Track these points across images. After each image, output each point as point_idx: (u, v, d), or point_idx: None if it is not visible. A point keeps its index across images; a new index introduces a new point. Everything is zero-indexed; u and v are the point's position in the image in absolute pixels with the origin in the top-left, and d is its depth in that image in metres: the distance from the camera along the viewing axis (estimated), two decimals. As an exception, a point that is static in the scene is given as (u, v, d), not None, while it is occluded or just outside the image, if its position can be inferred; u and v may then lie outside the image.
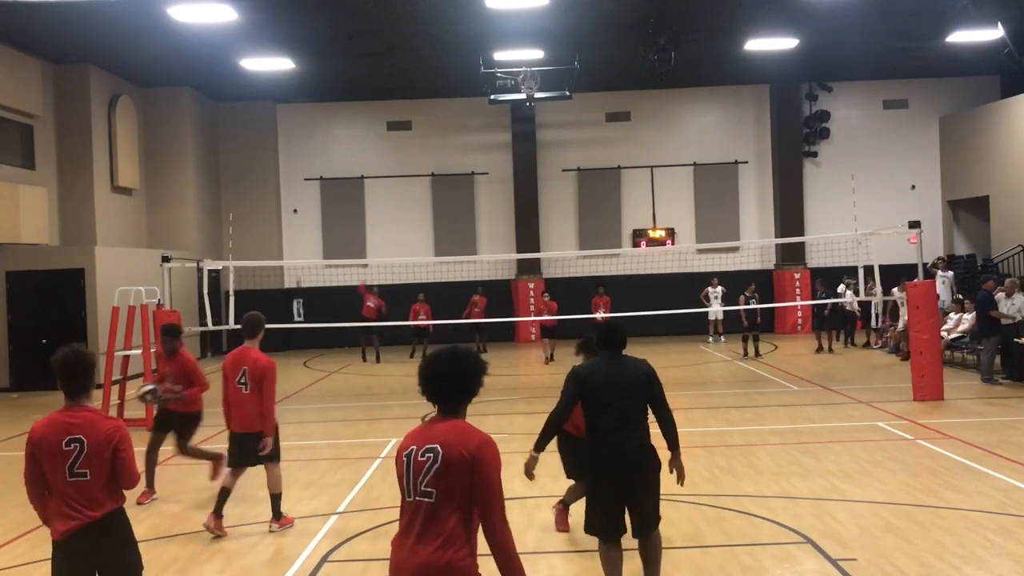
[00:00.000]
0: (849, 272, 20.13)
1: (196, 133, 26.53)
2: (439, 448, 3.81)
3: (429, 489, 3.80)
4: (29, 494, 5.05)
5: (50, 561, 5.02)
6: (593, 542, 7.80)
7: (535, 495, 9.24)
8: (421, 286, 24.66)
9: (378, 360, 23.32)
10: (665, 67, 21.07)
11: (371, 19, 19.58)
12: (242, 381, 8.36)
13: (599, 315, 22.55)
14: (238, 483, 8.76)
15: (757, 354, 21.83)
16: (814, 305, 23.04)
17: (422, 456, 3.84)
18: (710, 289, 24.85)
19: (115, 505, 5.15)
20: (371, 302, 22.89)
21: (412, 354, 23.49)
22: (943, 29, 21.36)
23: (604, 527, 6.19)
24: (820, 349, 22.33)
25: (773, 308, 26.68)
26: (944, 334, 17.64)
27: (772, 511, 8.53)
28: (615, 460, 6.09)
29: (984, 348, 16.52)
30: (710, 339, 25.46)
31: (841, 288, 22.20)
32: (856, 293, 18.96)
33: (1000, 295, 16.75)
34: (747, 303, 21.73)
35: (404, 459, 3.90)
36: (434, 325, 21.86)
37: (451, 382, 3.96)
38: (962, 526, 7.86)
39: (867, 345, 23.20)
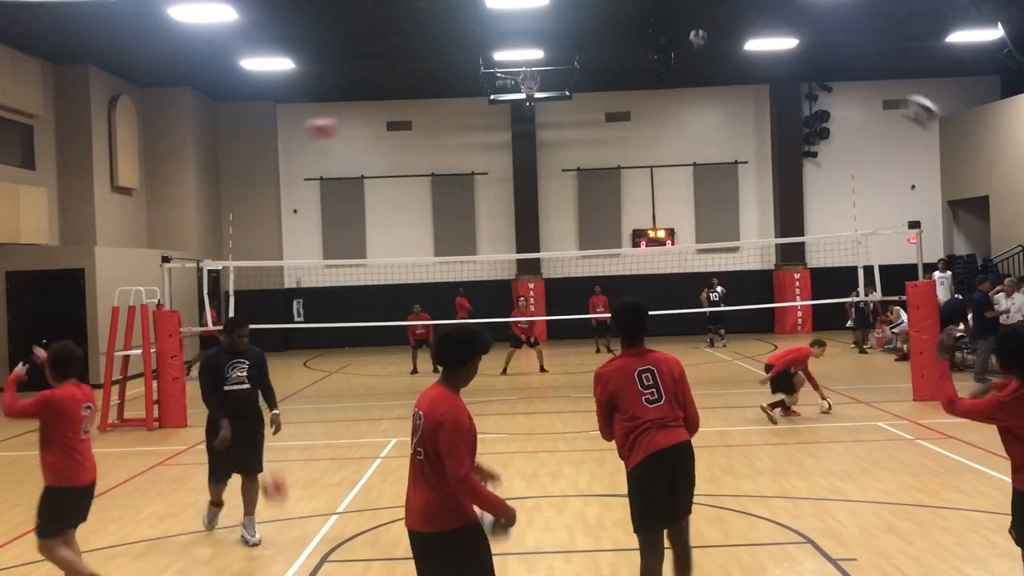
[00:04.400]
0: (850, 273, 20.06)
1: (196, 133, 26.53)
2: (421, 414, 4.62)
3: (420, 448, 4.59)
4: None
5: None
6: (592, 543, 7.82)
7: (536, 495, 9.25)
8: (421, 287, 24.60)
9: None
10: (665, 67, 21.06)
11: (371, 19, 19.58)
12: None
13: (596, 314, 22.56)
14: (232, 486, 8.71)
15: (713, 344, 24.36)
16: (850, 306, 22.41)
17: (417, 420, 4.64)
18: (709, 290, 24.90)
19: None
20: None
21: (414, 369, 20.81)
22: (943, 29, 21.36)
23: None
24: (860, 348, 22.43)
25: (773, 308, 26.71)
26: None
27: (772, 511, 8.53)
28: None
29: (978, 349, 16.49)
30: (710, 339, 25.46)
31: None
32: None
33: (1000, 295, 16.74)
34: (709, 297, 24.17)
35: (413, 419, 4.72)
36: (432, 329, 20.58)
37: (443, 346, 4.73)
38: (962, 526, 7.86)
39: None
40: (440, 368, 4.75)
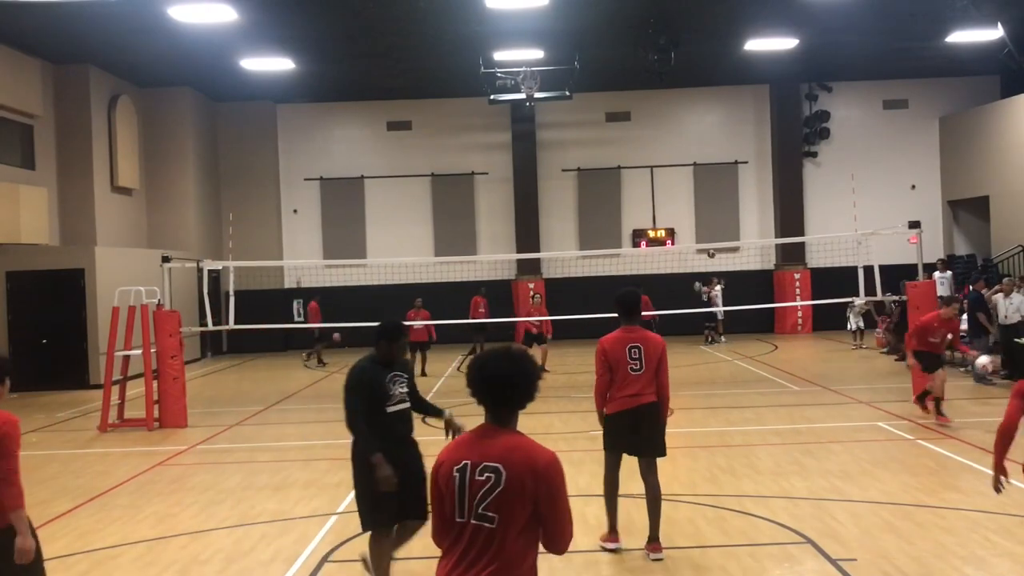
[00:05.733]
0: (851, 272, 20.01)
1: (196, 133, 26.53)
2: (502, 469, 3.47)
3: (490, 514, 3.47)
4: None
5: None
6: (592, 543, 7.82)
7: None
8: (421, 286, 24.53)
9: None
10: (665, 67, 21.06)
11: (371, 19, 19.58)
12: None
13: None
14: (232, 486, 8.72)
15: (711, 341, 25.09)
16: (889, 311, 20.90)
17: (480, 475, 3.49)
18: (712, 288, 25.01)
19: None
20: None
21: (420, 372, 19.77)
22: (943, 29, 21.35)
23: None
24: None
25: (773, 308, 26.72)
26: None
27: (772, 511, 8.53)
28: None
29: (976, 348, 16.46)
30: (710, 339, 25.51)
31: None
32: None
33: (999, 295, 16.74)
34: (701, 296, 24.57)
35: (456, 475, 3.53)
36: (435, 331, 20.10)
37: (510, 385, 3.60)
38: (962, 526, 7.87)
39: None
40: (498, 408, 3.64)
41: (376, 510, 6.36)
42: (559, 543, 3.60)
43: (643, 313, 22.61)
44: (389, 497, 6.26)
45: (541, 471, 3.47)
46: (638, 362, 7.29)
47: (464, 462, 3.53)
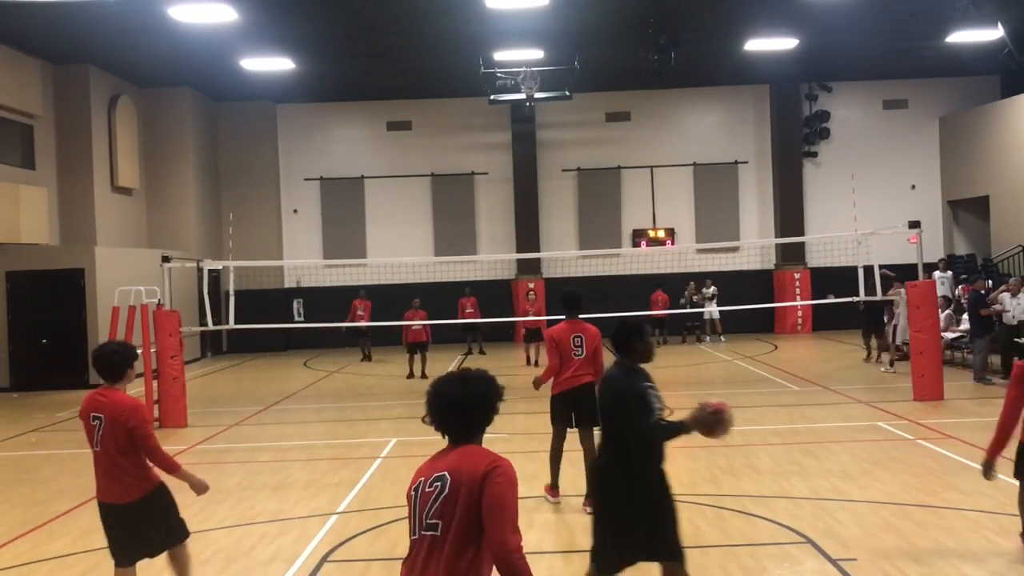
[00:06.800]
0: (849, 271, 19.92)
1: (196, 133, 26.53)
2: (447, 475, 3.48)
3: (434, 521, 3.45)
4: None
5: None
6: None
7: (536, 495, 9.25)
8: (421, 286, 24.53)
9: (369, 359, 23.72)
10: (665, 67, 21.06)
11: (371, 19, 19.58)
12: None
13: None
14: (232, 486, 8.68)
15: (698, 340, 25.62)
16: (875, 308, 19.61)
17: (429, 487, 3.51)
18: (704, 290, 25.12)
19: None
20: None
21: (411, 373, 19.90)
22: (943, 29, 21.35)
23: None
24: (869, 357, 19.88)
25: (773, 308, 26.72)
26: (945, 334, 17.59)
27: (772, 511, 8.54)
28: None
29: (975, 349, 16.45)
30: (708, 339, 25.52)
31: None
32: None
33: (1005, 294, 16.71)
34: (691, 298, 25.12)
35: (413, 494, 3.58)
36: (430, 330, 19.81)
37: (463, 408, 3.59)
38: (962, 526, 7.87)
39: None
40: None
41: (620, 548, 5.45)
42: (498, 537, 3.34)
43: (658, 312, 22.97)
44: (634, 534, 5.38)
45: (485, 471, 3.43)
46: (580, 348, 8.88)
47: (420, 480, 3.57)
